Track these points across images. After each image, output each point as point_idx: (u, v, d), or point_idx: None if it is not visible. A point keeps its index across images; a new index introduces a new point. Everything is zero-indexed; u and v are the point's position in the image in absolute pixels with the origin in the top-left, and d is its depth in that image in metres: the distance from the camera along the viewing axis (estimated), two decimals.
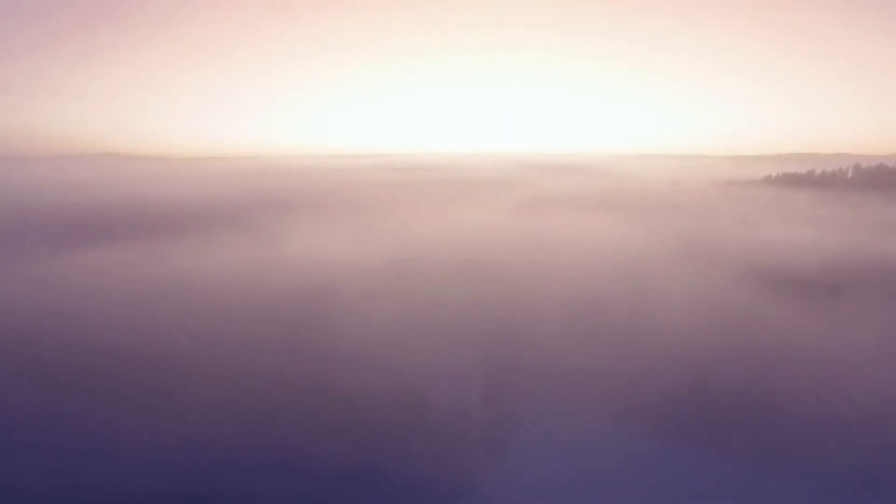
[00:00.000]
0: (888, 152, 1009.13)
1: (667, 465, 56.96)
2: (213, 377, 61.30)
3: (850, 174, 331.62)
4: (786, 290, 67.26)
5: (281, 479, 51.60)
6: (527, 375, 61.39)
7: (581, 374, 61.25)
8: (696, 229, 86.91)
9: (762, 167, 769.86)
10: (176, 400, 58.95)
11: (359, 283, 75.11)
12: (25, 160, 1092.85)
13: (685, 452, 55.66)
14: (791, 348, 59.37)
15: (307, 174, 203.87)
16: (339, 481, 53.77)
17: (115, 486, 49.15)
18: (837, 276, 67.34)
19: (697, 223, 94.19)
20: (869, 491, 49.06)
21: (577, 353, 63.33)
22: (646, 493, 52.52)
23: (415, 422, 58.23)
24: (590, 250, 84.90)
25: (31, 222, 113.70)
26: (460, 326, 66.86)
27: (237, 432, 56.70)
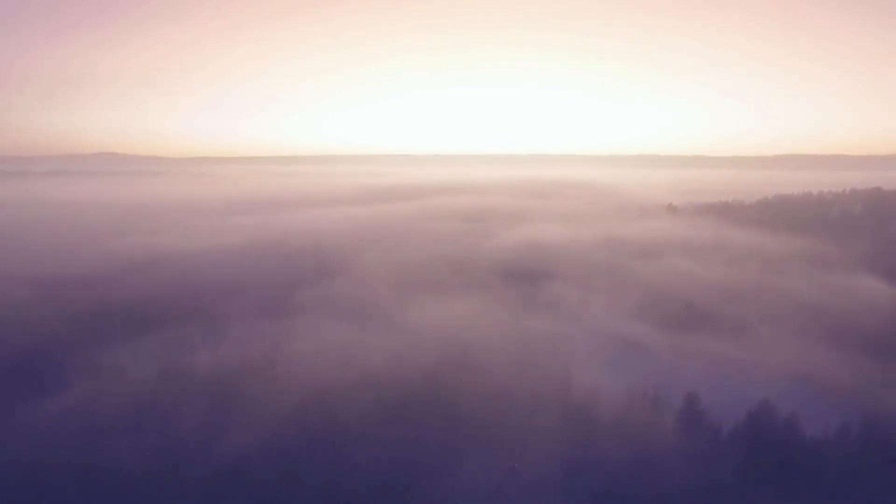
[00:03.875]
0: (887, 152, 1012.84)
1: None
2: None
3: (847, 190, 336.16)
4: None
5: None
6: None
7: None
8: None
9: (761, 173, 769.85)
10: None
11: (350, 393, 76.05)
12: (25, 160, 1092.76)
13: None
14: None
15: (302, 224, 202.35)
16: None
17: None
18: None
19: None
20: None
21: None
22: None
23: None
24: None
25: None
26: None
27: None
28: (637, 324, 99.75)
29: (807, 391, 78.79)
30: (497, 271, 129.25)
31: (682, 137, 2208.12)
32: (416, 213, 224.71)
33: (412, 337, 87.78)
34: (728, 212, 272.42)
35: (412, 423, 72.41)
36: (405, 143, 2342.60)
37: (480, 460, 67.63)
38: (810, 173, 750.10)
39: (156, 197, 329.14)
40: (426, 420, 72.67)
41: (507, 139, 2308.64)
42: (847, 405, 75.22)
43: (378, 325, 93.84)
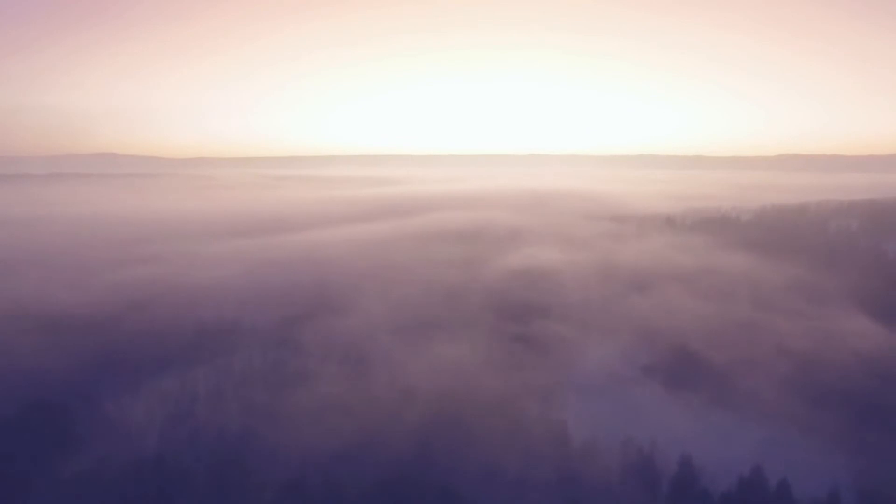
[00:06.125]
0: (887, 152, 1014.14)
1: None
2: None
3: (844, 203, 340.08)
4: None
5: None
6: None
7: None
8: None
9: (762, 174, 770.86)
10: None
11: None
12: (24, 160, 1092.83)
13: None
14: None
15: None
16: None
17: None
18: None
19: None
20: None
21: None
22: None
23: None
24: None
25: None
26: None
27: None
28: (630, 370, 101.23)
29: (798, 448, 79.87)
30: (490, 307, 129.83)
31: (682, 137, 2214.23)
32: (414, 232, 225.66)
33: (407, 390, 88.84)
34: (725, 228, 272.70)
35: (407, 487, 73.47)
36: (406, 142, 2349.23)
37: None
38: (810, 174, 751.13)
39: (155, 211, 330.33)
40: (420, 484, 73.67)
41: (508, 138, 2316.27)
42: (838, 465, 76.46)
43: (372, 376, 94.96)
